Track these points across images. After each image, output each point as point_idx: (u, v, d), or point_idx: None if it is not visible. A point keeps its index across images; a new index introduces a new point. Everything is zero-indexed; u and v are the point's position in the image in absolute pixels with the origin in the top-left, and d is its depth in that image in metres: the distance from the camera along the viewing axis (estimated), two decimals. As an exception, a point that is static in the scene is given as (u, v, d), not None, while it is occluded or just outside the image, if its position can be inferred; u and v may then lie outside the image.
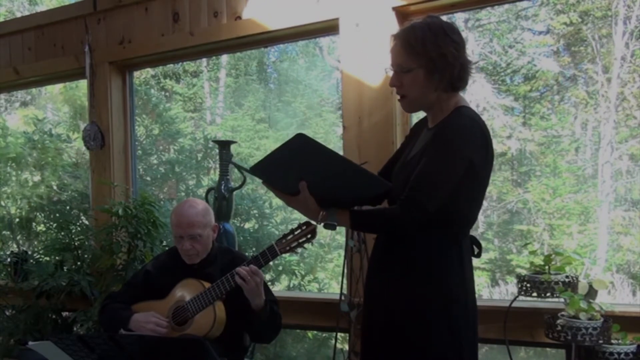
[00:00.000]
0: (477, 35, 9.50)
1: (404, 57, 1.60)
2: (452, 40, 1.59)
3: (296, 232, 2.06)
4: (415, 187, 1.52)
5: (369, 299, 1.77)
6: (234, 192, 3.09)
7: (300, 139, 1.49)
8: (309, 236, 2.06)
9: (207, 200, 3.06)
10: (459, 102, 1.65)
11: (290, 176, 1.58)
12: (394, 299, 1.63)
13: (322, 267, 6.99)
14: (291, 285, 4.77)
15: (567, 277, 2.21)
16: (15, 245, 4.77)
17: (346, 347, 2.85)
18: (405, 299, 1.61)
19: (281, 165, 1.56)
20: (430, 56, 1.57)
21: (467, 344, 1.63)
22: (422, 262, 1.61)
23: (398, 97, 1.68)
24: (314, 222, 2.11)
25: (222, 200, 3.03)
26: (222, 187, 3.05)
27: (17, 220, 4.72)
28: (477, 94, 8.99)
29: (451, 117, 1.61)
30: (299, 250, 2.09)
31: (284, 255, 2.19)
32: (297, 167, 1.55)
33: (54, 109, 7.53)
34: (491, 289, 8.31)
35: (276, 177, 1.62)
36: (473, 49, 9.39)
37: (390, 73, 1.66)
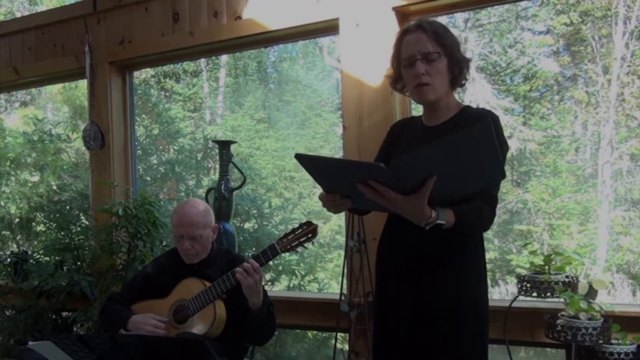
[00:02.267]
0: (477, 35, 9.50)
1: (432, 45, 1.62)
2: (456, 38, 1.68)
3: (297, 232, 2.08)
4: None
5: (393, 297, 1.70)
6: (234, 192, 3.09)
7: (488, 129, 1.28)
8: (309, 235, 2.07)
9: (207, 200, 3.06)
10: (459, 102, 1.72)
11: (422, 171, 1.37)
12: (427, 295, 1.61)
13: (322, 267, 6.99)
14: (291, 285, 4.77)
15: (567, 277, 2.21)
16: (15, 245, 4.77)
17: (346, 347, 2.85)
18: (440, 295, 1.61)
19: (431, 159, 1.34)
20: (452, 47, 1.64)
21: (486, 340, 1.66)
22: (457, 257, 1.62)
23: (415, 86, 1.65)
24: (314, 223, 2.12)
25: (222, 200, 3.03)
26: (222, 187, 3.05)
27: (17, 220, 4.72)
28: (477, 94, 8.99)
29: (468, 113, 1.66)
30: (300, 249, 2.09)
31: (284, 254, 2.19)
32: (443, 161, 1.34)
33: (53, 109, 7.53)
34: (491, 289, 8.31)
35: (406, 173, 1.37)
36: (473, 49, 9.40)
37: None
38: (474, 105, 1.79)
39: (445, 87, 1.65)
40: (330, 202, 1.55)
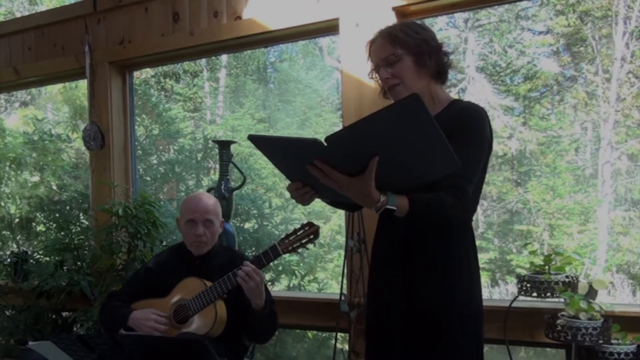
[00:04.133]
0: (477, 35, 9.51)
1: (389, 49, 1.62)
2: (427, 29, 1.66)
3: (299, 233, 2.07)
4: (458, 173, 1.48)
5: (384, 295, 1.70)
6: (234, 192, 3.10)
7: (417, 100, 1.25)
8: (311, 237, 2.06)
9: (207, 200, 3.06)
10: (450, 96, 1.69)
11: (363, 150, 1.36)
12: (417, 294, 1.60)
13: (322, 267, 6.99)
14: (291, 285, 4.77)
15: (567, 277, 2.21)
16: (15, 245, 4.77)
17: (346, 347, 2.85)
18: (430, 294, 1.59)
19: (366, 135, 1.32)
20: (414, 42, 1.61)
21: (481, 338, 1.65)
22: (446, 256, 1.60)
23: (388, 90, 1.66)
24: (316, 224, 2.11)
25: (222, 200, 3.03)
26: (222, 187, 3.05)
27: (17, 220, 4.72)
28: (477, 94, 9.00)
29: (456, 107, 1.63)
30: (301, 250, 2.09)
31: (285, 255, 2.18)
32: (380, 137, 1.32)
33: (53, 109, 7.53)
34: (491, 289, 8.32)
35: (345, 151, 1.36)
36: (473, 49, 9.41)
37: (375, 77, 1.68)
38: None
39: (421, 83, 1.63)
40: (294, 191, 1.53)
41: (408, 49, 1.61)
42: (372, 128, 1.32)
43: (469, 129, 1.56)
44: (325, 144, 1.34)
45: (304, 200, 1.56)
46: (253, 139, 1.48)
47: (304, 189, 1.52)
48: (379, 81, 1.69)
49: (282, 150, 1.50)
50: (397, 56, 1.61)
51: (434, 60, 1.63)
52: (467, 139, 1.54)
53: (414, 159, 1.38)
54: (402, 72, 1.61)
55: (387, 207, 1.44)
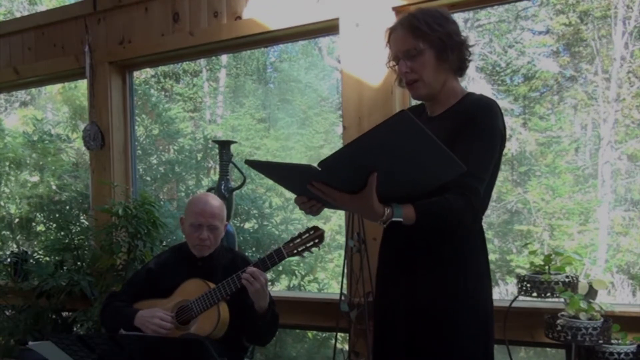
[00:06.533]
0: (476, 35, 9.50)
1: (411, 41, 1.57)
2: (451, 21, 1.61)
3: (304, 236, 2.07)
4: (467, 171, 1.42)
5: (390, 295, 1.68)
6: (234, 192, 3.10)
7: (405, 119, 1.23)
8: (316, 241, 2.06)
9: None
10: (464, 89, 1.66)
11: (360, 168, 1.35)
12: (421, 296, 1.59)
13: (322, 267, 6.99)
14: (291, 285, 4.77)
15: (567, 277, 2.21)
16: (15, 245, 4.77)
17: (346, 347, 2.85)
18: (434, 296, 1.57)
19: (360, 156, 1.31)
20: (438, 35, 1.56)
21: (491, 337, 1.64)
22: (452, 257, 1.58)
23: (406, 84, 1.62)
24: (321, 228, 2.11)
25: (222, 200, 3.03)
26: (222, 187, 3.05)
27: (17, 220, 4.72)
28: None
29: (468, 100, 1.60)
30: (306, 254, 2.09)
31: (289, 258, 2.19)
32: (375, 155, 1.31)
33: (53, 109, 7.53)
34: (491, 289, 8.30)
35: (342, 171, 1.35)
36: (473, 49, 9.39)
37: (392, 66, 1.64)
38: None
39: (440, 78, 1.59)
40: (301, 205, 1.53)
41: (430, 43, 1.56)
42: (364, 149, 1.31)
43: (479, 121, 1.52)
44: (319, 169, 1.34)
45: (312, 212, 1.56)
46: (251, 164, 1.52)
47: (310, 202, 1.52)
48: (396, 70, 1.65)
49: (280, 174, 1.53)
50: (419, 50, 1.56)
51: (456, 55, 1.59)
52: (477, 132, 1.51)
53: (414, 171, 1.37)
54: (422, 66, 1.57)
55: (393, 219, 1.42)
